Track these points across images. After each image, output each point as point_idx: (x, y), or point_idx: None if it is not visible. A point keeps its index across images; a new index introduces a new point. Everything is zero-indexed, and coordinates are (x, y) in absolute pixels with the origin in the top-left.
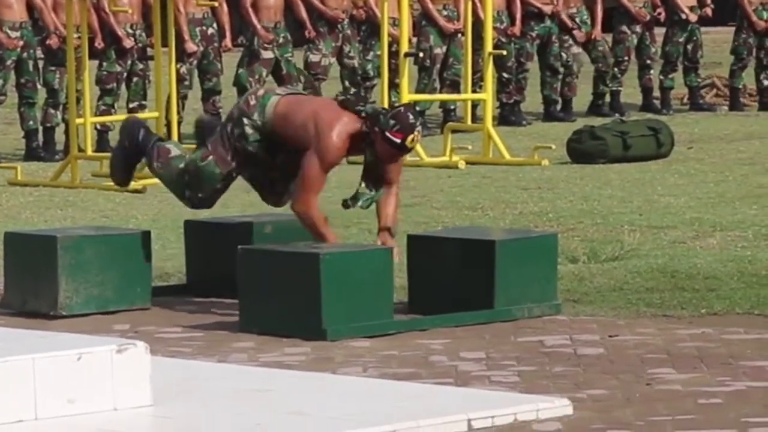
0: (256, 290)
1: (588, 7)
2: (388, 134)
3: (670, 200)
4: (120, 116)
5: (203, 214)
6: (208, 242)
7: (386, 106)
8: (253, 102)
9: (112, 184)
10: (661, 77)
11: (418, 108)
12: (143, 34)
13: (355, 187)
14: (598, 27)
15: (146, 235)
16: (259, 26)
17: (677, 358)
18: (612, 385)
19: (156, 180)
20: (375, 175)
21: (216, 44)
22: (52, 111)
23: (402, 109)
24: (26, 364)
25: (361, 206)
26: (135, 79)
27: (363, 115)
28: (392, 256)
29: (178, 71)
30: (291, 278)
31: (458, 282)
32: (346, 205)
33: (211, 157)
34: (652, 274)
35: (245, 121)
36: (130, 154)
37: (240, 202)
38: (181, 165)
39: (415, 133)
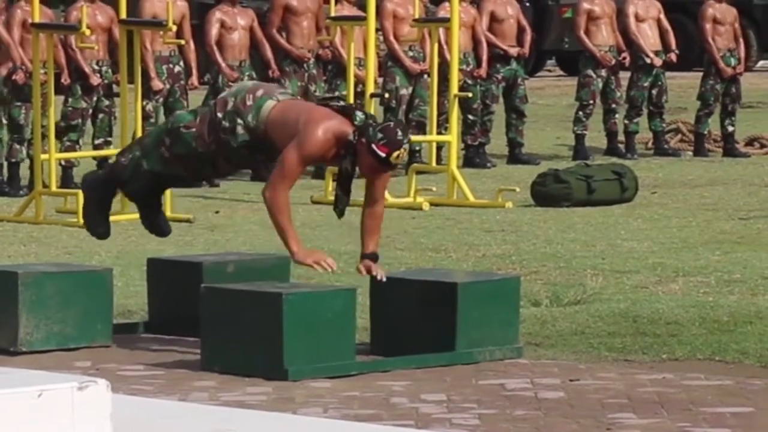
0: (218, 329)
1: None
2: (373, 146)
3: (633, 245)
4: (85, 153)
5: (167, 252)
6: (171, 280)
7: None
8: (249, 102)
9: (76, 220)
10: (626, 122)
11: None
12: (109, 71)
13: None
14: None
15: (107, 273)
16: (224, 64)
17: (638, 403)
18: (572, 429)
19: (120, 217)
20: (347, 186)
21: (182, 82)
22: (17, 146)
23: (392, 124)
24: None
25: (340, 212)
26: (101, 115)
27: (355, 121)
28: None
29: (143, 108)
30: (253, 318)
31: (420, 324)
32: (339, 212)
33: (193, 130)
34: (614, 318)
35: (238, 120)
36: (102, 198)
37: (203, 240)
38: (163, 126)
39: (401, 149)
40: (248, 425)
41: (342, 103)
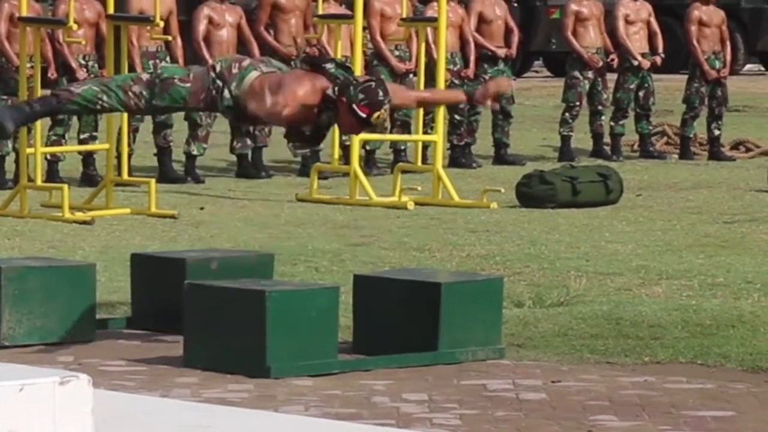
0: (201, 326)
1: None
2: (354, 107)
3: (617, 247)
4: (71, 147)
5: (151, 248)
6: (155, 276)
7: (337, 144)
8: (235, 71)
9: (60, 215)
10: (612, 123)
11: (368, 147)
12: (96, 66)
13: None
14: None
15: (91, 267)
16: (211, 61)
17: (619, 406)
18: (553, 430)
19: (105, 212)
20: (317, 138)
21: None
22: (2, 140)
23: (373, 84)
24: None
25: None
26: None
27: (335, 80)
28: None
29: None
30: (236, 315)
31: (403, 323)
32: (292, 148)
33: (188, 85)
34: (597, 320)
35: (222, 85)
36: (32, 115)
37: (188, 236)
38: (132, 75)
39: (382, 110)
40: (229, 422)
41: (315, 59)
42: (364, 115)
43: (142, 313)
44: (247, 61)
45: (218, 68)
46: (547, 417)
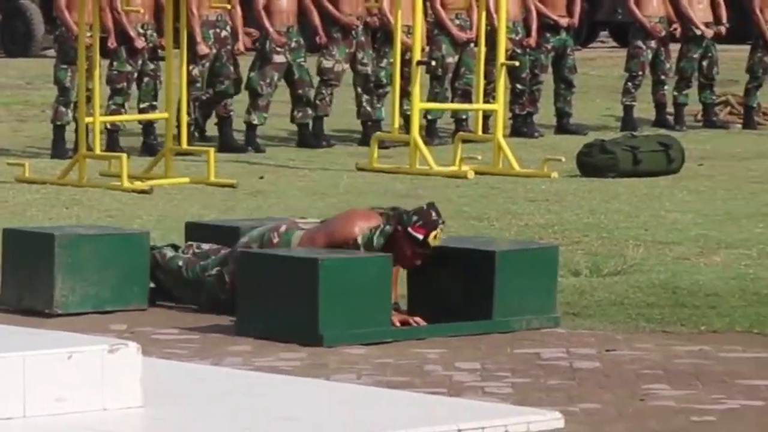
0: (253, 294)
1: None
2: (410, 230)
3: (677, 216)
4: (130, 116)
5: (208, 217)
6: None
7: (398, 113)
8: (276, 240)
9: (119, 184)
10: (675, 93)
11: (429, 117)
12: (154, 35)
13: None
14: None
15: (145, 236)
16: (271, 30)
17: (673, 375)
18: (606, 399)
19: (164, 181)
20: None
21: (229, 47)
22: (62, 109)
23: (425, 207)
24: (17, 361)
25: None
26: (146, 79)
27: (386, 214)
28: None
29: (189, 73)
30: (289, 283)
31: (458, 291)
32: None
33: (228, 288)
34: (654, 289)
35: None
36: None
37: (246, 206)
38: (180, 263)
39: (438, 230)
40: (280, 390)
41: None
42: (420, 236)
43: None
44: (284, 226)
45: (255, 248)
46: (601, 385)
